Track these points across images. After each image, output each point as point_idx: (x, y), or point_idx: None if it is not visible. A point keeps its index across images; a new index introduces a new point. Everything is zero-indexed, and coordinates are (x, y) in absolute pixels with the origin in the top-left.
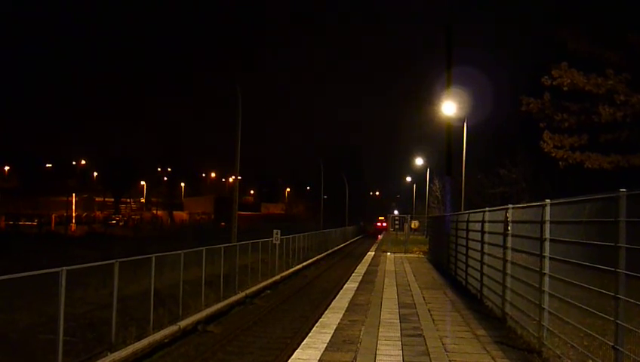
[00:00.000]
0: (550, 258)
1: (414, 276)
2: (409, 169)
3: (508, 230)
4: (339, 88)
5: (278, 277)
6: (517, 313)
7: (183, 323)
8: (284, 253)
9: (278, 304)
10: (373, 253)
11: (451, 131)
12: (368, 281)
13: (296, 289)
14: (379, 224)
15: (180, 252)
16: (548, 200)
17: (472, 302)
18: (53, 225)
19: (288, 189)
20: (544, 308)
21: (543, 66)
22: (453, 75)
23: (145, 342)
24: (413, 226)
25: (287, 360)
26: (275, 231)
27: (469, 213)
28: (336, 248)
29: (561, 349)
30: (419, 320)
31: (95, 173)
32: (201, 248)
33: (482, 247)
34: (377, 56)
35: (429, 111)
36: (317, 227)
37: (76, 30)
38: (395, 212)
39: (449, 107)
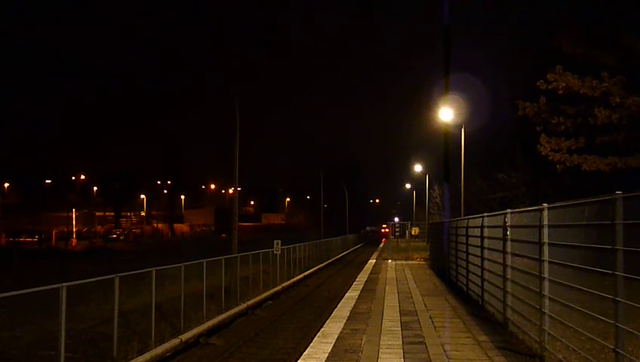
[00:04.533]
0: (550, 262)
1: (415, 283)
2: (408, 176)
3: (507, 235)
4: (337, 95)
5: (279, 287)
6: (518, 318)
7: (184, 336)
8: (285, 263)
9: (279, 314)
10: (374, 260)
11: (449, 137)
12: (369, 289)
13: (297, 299)
14: (382, 230)
15: (180, 265)
16: (545, 205)
17: (474, 307)
18: (53, 240)
19: (288, 199)
20: (545, 313)
21: (539, 70)
22: (451, 81)
23: (147, 356)
24: (413, 233)
25: None
26: (275, 241)
27: (469, 218)
28: (337, 257)
29: (563, 353)
30: (420, 327)
31: (95, 188)
32: (201, 260)
33: (482, 253)
34: (374, 62)
35: (426, 117)
36: (318, 236)
37: (74, 43)
38: (396, 219)
39: (447, 113)
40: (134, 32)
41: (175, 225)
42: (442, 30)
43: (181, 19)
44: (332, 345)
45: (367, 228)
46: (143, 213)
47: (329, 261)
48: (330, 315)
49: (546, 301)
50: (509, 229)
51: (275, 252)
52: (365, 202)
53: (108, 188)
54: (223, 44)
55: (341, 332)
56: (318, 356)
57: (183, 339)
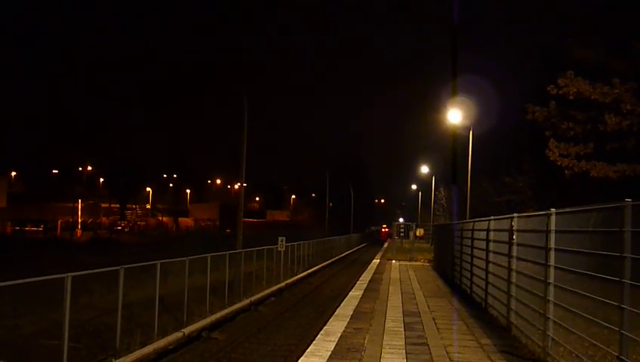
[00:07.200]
0: (555, 267)
1: (419, 284)
2: (415, 176)
3: (513, 239)
4: (344, 95)
5: (282, 284)
6: (522, 322)
7: (187, 330)
8: (289, 260)
9: (282, 311)
10: (379, 260)
11: (457, 139)
12: (373, 289)
13: (300, 296)
14: (383, 230)
15: (184, 259)
16: (553, 210)
17: (477, 310)
18: (59, 230)
19: (293, 196)
20: (549, 318)
21: (550, 75)
22: (459, 83)
23: (150, 348)
24: (418, 234)
25: None
26: (280, 238)
27: (475, 221)
28: (340, 255)
29: (566, 359)
30: (423, 328)
31: (101, 180)
32: (206, 255)
33: (487, 256)
34: (382, 63)
35: (434, 119)
36: (322, 234)
37: (81, 36)
38: (401, 220)
39: (455, 115)
40: (142, 24)
41: (180, 219)
42: (450, 33)
43: (190, 14)
44: (335, 343)
45: (372, 227)
46: (148, 206)
47: (333, 259)
48: (333, 314)
49: (551, 306)
50: (515, 233)
51: (279, 248)
52: (370, 202)
53: (114, 180)
54: (232, 40)
55: (344, 331)
56: (321, 354)
57: (186, 333)
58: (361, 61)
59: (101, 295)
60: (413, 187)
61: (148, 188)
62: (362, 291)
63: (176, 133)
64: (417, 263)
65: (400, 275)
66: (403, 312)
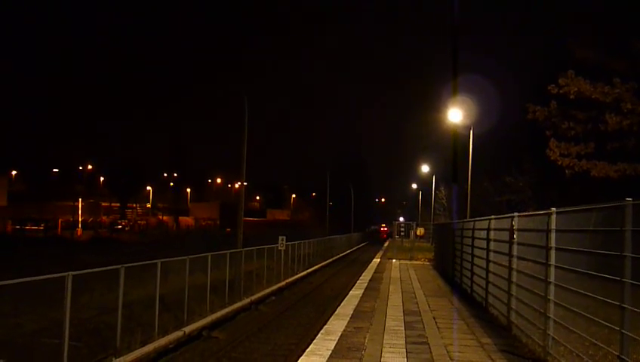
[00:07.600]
0: (556, 266)
1: (419, 283)
2: (415, 176)
3: (514, 238)
4: (346, 94)
5: (283, 283)
6: (522, 321)
7: (187, 329)
8: (289, 260)
9: (283, 310)
10: (379, 259)
11: (458, 138)
12: (373, 288)
13: (301, 295)
14: (382, 229)
15: (185, 258)
16: (554, 209)
17: (478, 309)
18: (59, 229)
19: (294, 195)
20: (549, 317)
21: (550, 74)
22: (460, 83)
23: (150, 347)
24: (418, 233)
25: None
26: (280, 237)
27: (475, 220)
28: (341, 255)
29: (567, 358)
30: (424, 327)
31: (101, 178)
32: (206, 254)
33: (488, 255)
34: (383, 63)
35: (435, 118)
36: (322, 233)
37: (82, 34)
38: (401, 219)
39: (455, 114)
40: (142, 24)
41: (180, 217)
42: (450, 33)
43: (190, 14)
44: (335, 342)
45: (372, 227)
46: (148, 205)
47: (333, 258)
48: (333, 313)
49: (551, 305)
50: (515, 232)
51: (279, 248)
52: (371, 201)
53: (114, 179)
54: (232, 40)
55: (344, 330)
56: (321, 352)
57: (186, 332)
58: (361, 61)
59: (102, 294)
60: (414, 186)
61: (148, 187)
62: (363, 290)
63: (176, 133)
64: (418, 262)
65: (400, 274)
66: (403, 311)
